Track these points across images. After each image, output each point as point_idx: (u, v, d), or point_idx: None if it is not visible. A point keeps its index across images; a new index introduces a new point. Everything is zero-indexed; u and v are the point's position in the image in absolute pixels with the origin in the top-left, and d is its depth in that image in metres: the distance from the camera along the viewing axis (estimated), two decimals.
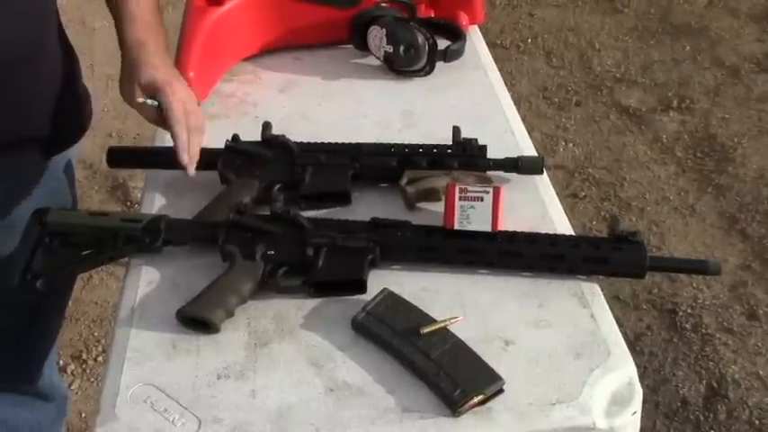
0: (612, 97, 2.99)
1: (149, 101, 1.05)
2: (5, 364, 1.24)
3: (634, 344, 2.00)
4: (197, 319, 0.93)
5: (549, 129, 2.85)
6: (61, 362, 2.03)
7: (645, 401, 0.86)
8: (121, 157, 1.24)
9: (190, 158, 1.03)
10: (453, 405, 0.82)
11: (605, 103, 2.97)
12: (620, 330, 0.92)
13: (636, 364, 0.88)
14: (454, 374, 0.84)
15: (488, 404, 0.83)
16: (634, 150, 2.73)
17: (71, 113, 1.14)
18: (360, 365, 0.88)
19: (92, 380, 1.98)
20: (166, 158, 1.20)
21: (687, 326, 2.06)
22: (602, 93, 3.02)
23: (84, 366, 2.04)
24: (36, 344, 1.26)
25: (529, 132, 1.27)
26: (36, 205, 1.04)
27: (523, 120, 1.31)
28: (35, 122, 1.07)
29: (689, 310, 2.10)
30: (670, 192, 2.53)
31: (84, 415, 1.88)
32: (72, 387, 1.98)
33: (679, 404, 1.87)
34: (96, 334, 2.12)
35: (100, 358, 2.02)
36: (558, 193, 1.14)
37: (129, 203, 2.51)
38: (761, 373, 1.93)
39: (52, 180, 1.13)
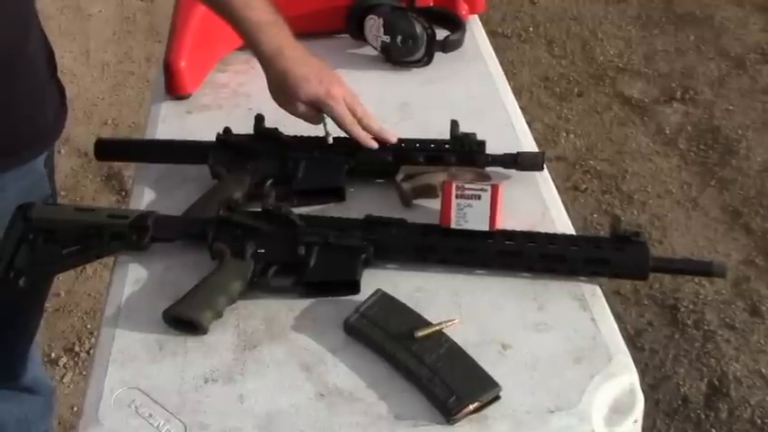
0: (615, 88, 2.95)
1: (325, 121, 1.09)
2: None
3: (634, 340, 1.97)
4: (184, 320, 0.90)
5: (550, 119, 2.81)
6: (53, 354, 2.01)
7: (645, 399, 0.84)
8: (110, 150, 1.22)
9: (375, 141, 1.08)
10: (448, 412, 0.79)
11: (607, 93, 2.93)
12: (621, 326, 0.91)
13: (636, 361, 0.86)
14: (449, 380, 0.81)
15: (484, 411, 0.80)
16: (636, 142, 2.69)
17: (49, 112, 1.12)
18: (352, 370, 0.86)
19: (84, 373, 1.95)
20: (156, 151, 1.18)
21: (689, 322, 2.03)
22: (605, 83, 2.98)
23: (76, 359, 2.01)
24: (18, 338, 1.24)
25: (529, 123, 1.25)
26: (15, 199, 1.02)
27: (524, 110, 1.29)
28: (14, 125, 1.05)
29: (691, 306, 2.07)
30: (672, 185, 2.50)
31: (75, 409, 1.85)
32: (64, 380, 1.95)
33: (680, 402, 1.85)
34: (89, 326, 2.09)
35: (93, 351, 2.00)
36: (558, 186, 1.12)
37: (123, 193, 2.47)
38: (763, 371, 1.90)
39: (33, 174, 1.10)
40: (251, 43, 1.09)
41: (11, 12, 1.00)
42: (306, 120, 1.09)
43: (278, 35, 1.08)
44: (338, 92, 1.07)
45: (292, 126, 1.12)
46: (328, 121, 1.09)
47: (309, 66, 1.08)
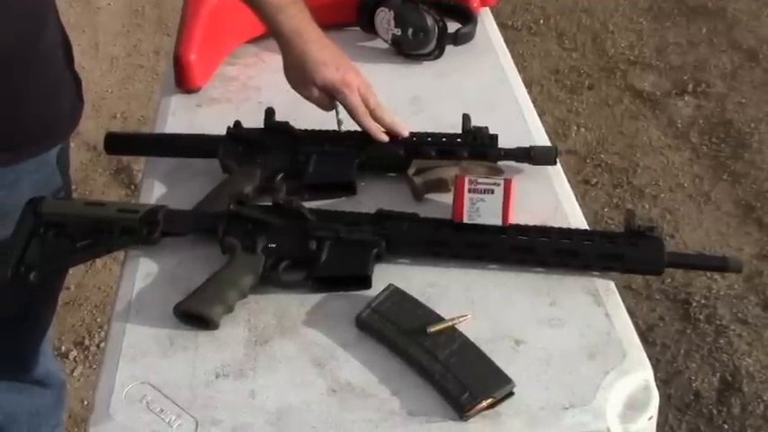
0: (626, 80, 2.93)
1: (337, 109, 1.09)
2: (1, 353, 1.22)
3: (646, 335, 1.96)
4: (195, 315, 0.90)
5: (560, 113, 2.79)
6: (63, 348, 2.01)
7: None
8: (120, 144, 1.21)
9: (386, 134, 1.08)
10: (461, 409, 0.79)
11: (618, 86, 2.91)
12: (632, 321, 0.89)
13: (648, 356, 0.85)
14: (462, 376, 0.81)
15: (497, 408, 0.80)
16: (648, 135, 2.67)
17: (65, 104, 1.12)
18: (364, 365, 0.85)
19: (94, 366, 1.95)
20: (166, 145, 1.17)
21: (701, 317, 2.01)
22: (616, 76, 2.96)
23: (86, 353, 2.01)
24: (30, 331, 1.24)
25: (540, 116, 1.24)
26: (29, 193, 1.01)
27: (534, 103, 1.28)
28: (24, 119, 1.05)
29: (703, 301, 2.05)
30: (684, 178, 2.48)
31: (86, 402, 1.86)
32: (74, 374, 1.95)
33: (692, 397, 1.83)
34: (99, 320, 2.09)
35: (103, 344, 2.00)
36: (569, 180, 1.11)
37: (133, 187, 2.47)
38: None
39: (46, 166, 1.10)
40: (270, 25, 1.10)
41: (25, 5, 0.99)
42: (318, 105, 1.09)
43: (297, 16, 1.08)
44: (353, 81, 1.07)
45: (303, 119, 1.11)
46: (341, 108, 1.08)
47: (328, 51, 1.08)
